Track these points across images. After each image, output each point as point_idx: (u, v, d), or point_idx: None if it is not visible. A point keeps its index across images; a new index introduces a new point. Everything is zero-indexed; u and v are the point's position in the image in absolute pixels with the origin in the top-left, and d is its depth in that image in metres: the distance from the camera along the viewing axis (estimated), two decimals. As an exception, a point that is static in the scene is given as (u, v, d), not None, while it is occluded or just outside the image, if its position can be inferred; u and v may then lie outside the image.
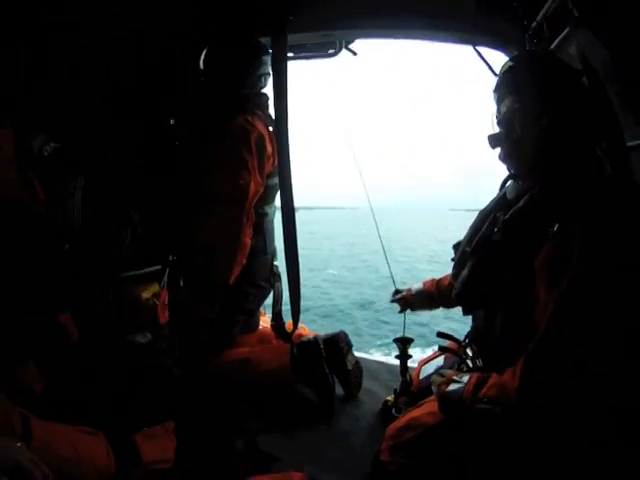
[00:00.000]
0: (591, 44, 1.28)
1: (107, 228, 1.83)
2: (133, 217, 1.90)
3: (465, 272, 1.32)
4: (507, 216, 1.23)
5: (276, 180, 1.82)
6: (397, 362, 1.73)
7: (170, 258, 1.90)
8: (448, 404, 1.18)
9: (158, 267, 1.85)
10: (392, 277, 1.91)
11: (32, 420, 1.05)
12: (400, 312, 1.80)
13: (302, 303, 1.72)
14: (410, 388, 1.60)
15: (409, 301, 1.77)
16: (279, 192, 1.74)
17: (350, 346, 1.78)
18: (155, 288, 1.87)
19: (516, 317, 1.16)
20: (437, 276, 1.69)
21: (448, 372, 1.29)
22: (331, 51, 1.95)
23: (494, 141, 1.26)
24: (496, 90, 1.28)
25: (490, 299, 1.28)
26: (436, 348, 1.59)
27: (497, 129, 1.28)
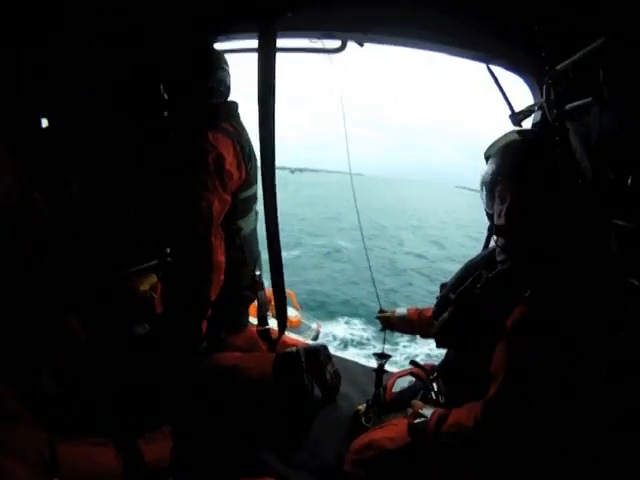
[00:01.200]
0: (611, 124, 1.17)
1: (104, 221, 1.87)
2: (130, 210, 1.93)
3: (445, 316, 1.49)
4: (491, 275, 1.38)
5: (250, 192, 1.84)
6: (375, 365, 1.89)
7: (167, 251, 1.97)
8: (415, 434, 1.39)
9: (155, 262, 1.94)
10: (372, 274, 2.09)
11: (57, 446, 1.23)
12: (381, 330, 1.97)
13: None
14: (381, 401, 1.80)
15: (391, 322, 1.93)
16: (264, 200, 1.77)
17: (330, 358, 1.93)
18: (153, 280, 1.98)
19: (481, 365, 1.30)
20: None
21: (417, 404, 1.49)
22: (336, 46, 1.80)
23: (498, 231, 1.35)
24: (486, 179, 1.35)
25: (463, 344, 1.45)
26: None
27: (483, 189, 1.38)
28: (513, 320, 1.23)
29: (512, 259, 1.34)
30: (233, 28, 1.82)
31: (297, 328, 7.82)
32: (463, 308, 1.43)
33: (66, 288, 1.67)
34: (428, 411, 1.40)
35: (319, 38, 1.74)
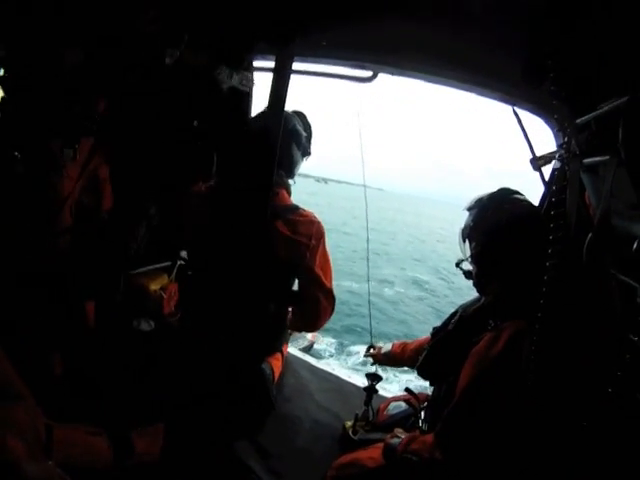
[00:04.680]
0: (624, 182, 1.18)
1: (125, 218, 1.95)
2: (150, 209, 2.00)
3: (425, 350, 1.62)
4: (463, 312, 1.53)
5: None
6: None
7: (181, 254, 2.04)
8: (387, 452, 1.47)
9: (168, 263, 2.01)
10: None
11: (54, 429, 1.29)
12: (372, 365, 2.08)
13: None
14: (369, 417, 1.86)
15: (378, 359, 2.04)
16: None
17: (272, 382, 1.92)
18: (164, 280, 2.05)
19: (453, 396, 1.37)
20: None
21: (398, 429, 1.56)
22: (367, 75, 1.85)
23: (467, 275, 1.54)
24: (464, 230, 1.52)
25: (440, 376, 1.56)
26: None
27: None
28: (475, 348, 1.33)
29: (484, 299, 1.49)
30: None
31: (292, 336, 7.70)
32: (437, 342, 1.57)
33: (86, 279, 1.75)
34: (403, 435, 1.49)
35: (352, 67, 1.80)
